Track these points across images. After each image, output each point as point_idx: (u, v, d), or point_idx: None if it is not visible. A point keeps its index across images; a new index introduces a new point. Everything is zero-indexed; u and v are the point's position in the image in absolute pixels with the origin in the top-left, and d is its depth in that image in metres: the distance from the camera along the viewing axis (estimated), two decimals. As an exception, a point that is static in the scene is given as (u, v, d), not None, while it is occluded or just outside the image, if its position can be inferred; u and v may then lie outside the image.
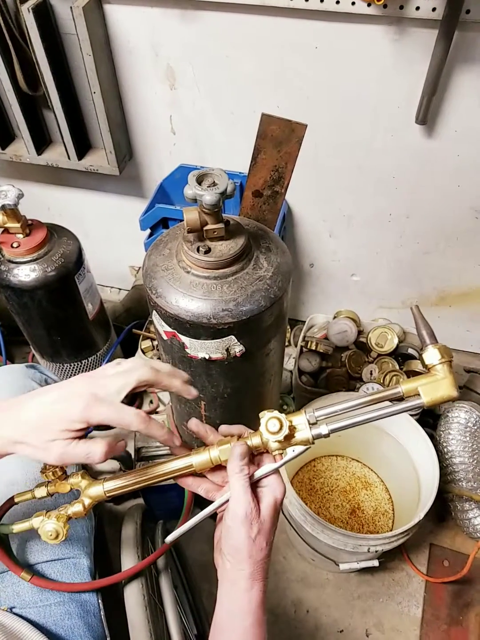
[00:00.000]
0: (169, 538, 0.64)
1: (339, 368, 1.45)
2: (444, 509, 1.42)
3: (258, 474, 0.61)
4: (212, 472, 0.65)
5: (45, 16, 1.11)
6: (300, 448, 0.61)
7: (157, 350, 1.48)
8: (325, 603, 1.33)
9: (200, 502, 1.40)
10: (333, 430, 0.61)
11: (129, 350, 1.53)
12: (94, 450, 0.58)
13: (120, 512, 1.44)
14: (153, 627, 0.81)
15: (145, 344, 1.48)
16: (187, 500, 1.08)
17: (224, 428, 0.65)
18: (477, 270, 1.37)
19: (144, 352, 1.47)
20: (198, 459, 0.63)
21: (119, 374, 0.60)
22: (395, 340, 1.43)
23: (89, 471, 1.54)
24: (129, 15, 1.13)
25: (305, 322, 1.58)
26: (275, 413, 0.60)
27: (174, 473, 0.64)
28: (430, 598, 1.33)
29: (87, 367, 1.36)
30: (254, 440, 0.62)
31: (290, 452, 0.61)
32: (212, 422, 0.99)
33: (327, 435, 0.61)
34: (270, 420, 0.60)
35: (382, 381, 1.39)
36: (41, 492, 0.66)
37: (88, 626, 0.76)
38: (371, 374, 1.42)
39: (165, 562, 0.95)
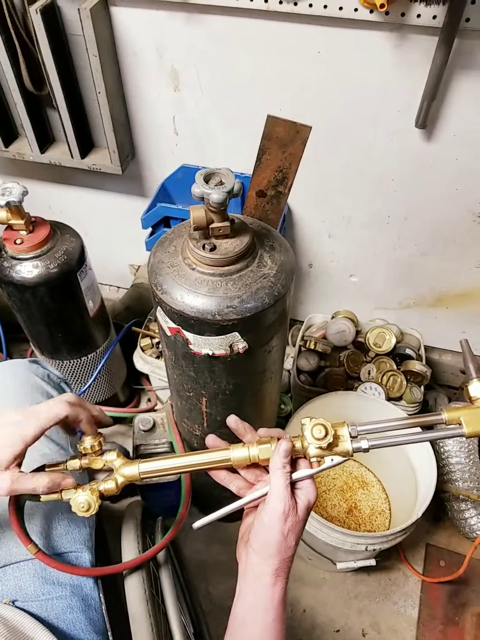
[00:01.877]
0: (197, 524, 0.64)
1: (337, 367, 1.46)
2: (440, 509, 1.43)
3: (295, 476, 0.62)
4: (246, 469, 0.66)
5: (52, 17, 1.12)
6: (339, 458, 0.62)
7: (156, 348, 1.49)
8: (321, 602, 1.34)
9: (196, 502, 1.41)
10: (373, 446, 0.62)
11: (128, 347, 1.53)
12: (40, 483, 0.63)
13: (118, 511, 1.45)
14: (154, 621, 0.82)
15: (144, 342, 1.49)
16: (185, 497, 1.09)
17: (263, 431, 0.66)
18: (474, 272, 1.39)
19: (143, 350, 1.48)
20: (236, 454, 0.64)
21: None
22: (393, 341, 1.45)
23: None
24: (135, 17, 1.15)
25: (303, 322, 1.59)
26: (322, 420, 0.62)
27: (211, 464, 0.64)
28: (427, 598, 1.34)
29: (86, 363, 1.37)
30: (295, 444, 0.63)
31: (329, 460, 0.62)
32: (213, 418, 1.00)
33: (366, 450, 0.62)
34: (315, 427, 0.61)
35: (380, 380, 1.40)
36: (74, 464, 0.67)
37: (89, 620, 0.77)
38: (369, 373, 1.44)
39: (166, 557, 0.96)
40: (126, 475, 0.65)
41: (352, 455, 0.63)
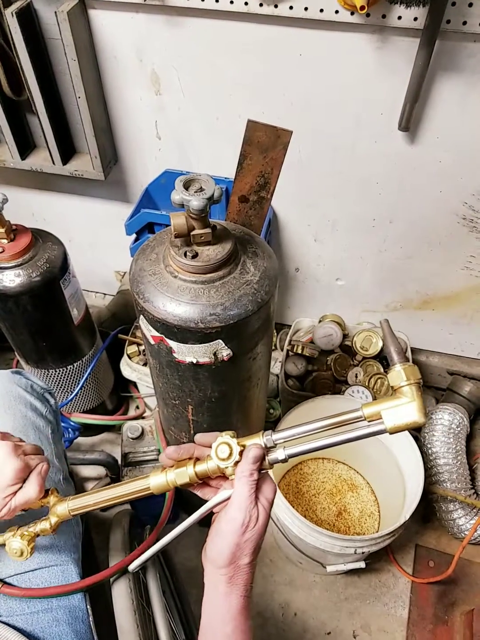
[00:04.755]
0: (133, 566, 0.65)
1: (324, 371, 1.46)
2: (428, 510, 1.44)
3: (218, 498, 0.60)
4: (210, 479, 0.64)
5: (29, 21, 1.10)
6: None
7: (144, 355, 1.47)
8: (313, 605, 1.34)
9: (186, 509, 1.40)
10: (290, 455, 0.59)
11: (115, 354, 1.52)
12: (29, 492, 0.64)
13: (108, 519, 1.43)
14: (142, 632, 0.81)
15: (131, 349, 1.48)
16: (167, 502, 1.09)
17: (198, 436, 0.64)
18: (459, 274, 1.39)
19: (130, 357, 1.46)
20: (155, 480, 0.62)
21: None
22: (380, 344, 1.45)
23: (75, 477, 1.52)
24: (113, 20, 1.13)
25: (291, 326, 1.59)
26: (227, 438, 0.59)
27: (131, 494, 0.64)
28: (416, 598, 1.34)
29: (72, 372, 1.35)
30: (211, 464, 0.60)
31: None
32: (200, 425, 0.99)
33: (284, 460, 0.59)
34: (220, 446, 0.58)
35: (367, 384, 1.40)
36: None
37: (76, 633, 0.76)
38: (356, 376, 1.44)
39: (154, 567, 0.95)
40: (58, 513, 0.66)
41: (271, 467, 0.60)
